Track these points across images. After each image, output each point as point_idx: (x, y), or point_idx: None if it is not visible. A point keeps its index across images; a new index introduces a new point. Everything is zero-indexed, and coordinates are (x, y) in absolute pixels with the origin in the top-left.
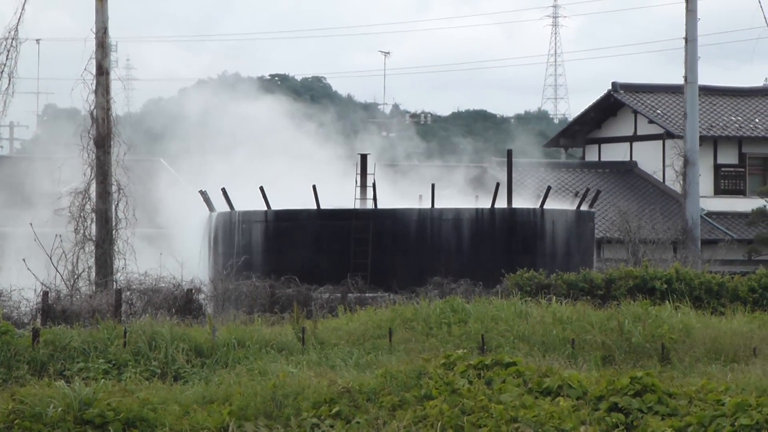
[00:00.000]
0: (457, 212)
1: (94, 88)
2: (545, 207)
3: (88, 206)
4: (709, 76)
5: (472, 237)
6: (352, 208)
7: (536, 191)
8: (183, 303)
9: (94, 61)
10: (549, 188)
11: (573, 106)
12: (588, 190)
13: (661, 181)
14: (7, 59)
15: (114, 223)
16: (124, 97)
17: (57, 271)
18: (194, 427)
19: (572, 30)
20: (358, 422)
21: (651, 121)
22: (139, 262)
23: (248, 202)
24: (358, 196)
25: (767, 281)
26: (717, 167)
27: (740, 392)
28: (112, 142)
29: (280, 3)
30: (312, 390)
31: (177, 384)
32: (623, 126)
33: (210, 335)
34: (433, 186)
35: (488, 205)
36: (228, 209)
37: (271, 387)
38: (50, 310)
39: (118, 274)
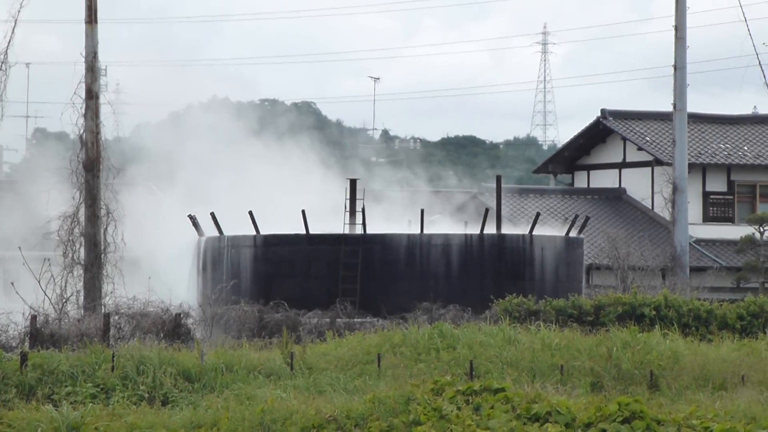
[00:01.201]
0: (446, 238)
1: (83, 111)
2: (534, 233)
3: (76, 230)
4: (697, 103)
5: (461, 262)
6: (341, 233)
7: (526, 217)
8: (171, 327)
9: (83, 85)
10: (538, 214)
11: (562, 132)
12: (577, 216)
13: (650, 208)
14: None
15: (103, 247)
16: (113, 121)
17: (45, 294)
18: None
19: (561, 57)
20: None
21: (640, 148)
22: (128, 285)
23: (237, 226)
24: (347, 221)
25: (755, 309)
26: (706, 194)
27: (728, 419)
28: (101, 166)
29: (268, 28)
30: (300, 415)
31: (165, 408)
32: (612, 153)
33: (198, 360)
34: (422, 211)
35: (477, 231)
36: (217, 233)
37: (259, 412)
38: (38, 333)
39: (107, 297)
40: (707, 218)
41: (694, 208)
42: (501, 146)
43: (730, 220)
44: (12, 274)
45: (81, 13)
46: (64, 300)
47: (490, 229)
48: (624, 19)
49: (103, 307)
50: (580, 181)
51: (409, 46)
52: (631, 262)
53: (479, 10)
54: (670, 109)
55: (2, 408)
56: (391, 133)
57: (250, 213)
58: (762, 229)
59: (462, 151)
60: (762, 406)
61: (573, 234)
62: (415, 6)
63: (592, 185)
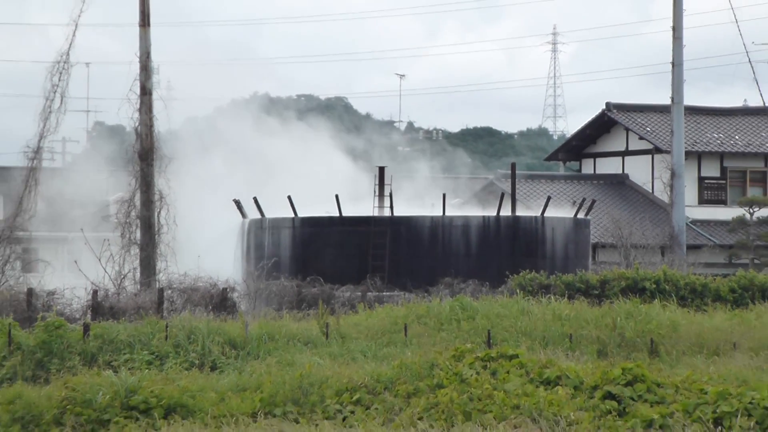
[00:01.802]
0: (466, 219)
1: (138, 106)
2: (545, 215)
3: (133, 213)
4: (693, 96)
5: (480, 242)
6: (371, 215)
7: (538, 201)
8: (219, 300)
9: (138, 83)
10: (549, 198)
11: (570, 123)
12: (584, 199)
13: (651, 191)
14: (59, 80)
15: (156, 229)
16: (165, 115)
17: (105, 271)
18: (229, 413)
19: (569, 55)
20: (376, 408)
21: (641, 138)
22: (179, 262)
23: (277, 209)
24: (377, 204)
25: (746, 282)
26: (701, 179)
27: (722, 382)
28: (154, 156)
29: (304, 30)
30: (335, 379)
31: (213, 373)
32: (616, 142)
33: (243, 330)
34: (444, 195)
35: (494, 213)
36: (259, 216)
37: (298, 377)
38: (99, 307)
39: (160, 274)
40: (702, 201)
41: (690, 192)
42: (515, 136)
43: (722, 202)
44: (75, 253)
45: (135, 17)
46: (122, 276)
47: (506, 211)
48: (626, 20)
49: (157, 282)
50: (587, 167)
51: (432, 45)
52: (634, 240)
53: (495, 12)
54: (668, 102)
55: (67, 373)
56: (416, 125)
57: (289, 197)
58: (752, 211)
59: (480, 141)
60: (752, 370)
61: (581, 216)
62: (437, 9)
63: (597, 171)
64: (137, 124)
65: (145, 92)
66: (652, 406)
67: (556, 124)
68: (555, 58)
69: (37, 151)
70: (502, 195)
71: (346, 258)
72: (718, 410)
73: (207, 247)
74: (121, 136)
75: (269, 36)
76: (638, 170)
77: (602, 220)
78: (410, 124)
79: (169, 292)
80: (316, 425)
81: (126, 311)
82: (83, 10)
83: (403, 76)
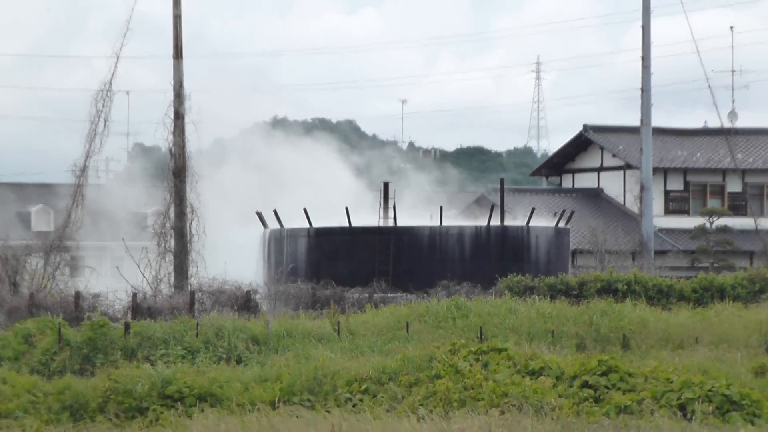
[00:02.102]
0: (461, 229)
1: (172, 129)
2: (530, 224)
3: (167, 224)
4: (659, 118)
5: (472, 248)
6: (376, 225)
7: (524, 212)
8: (243, 301)
9: (172, 108)
10: (533, 209)
11: (552, 142)
12: (564, 210)
13: (623, 203)
14: (103, 107)
15: (188, 238)
16: (196, 137)
17: (143, 276)
18: (252, 400)
19: (551, 81)
20: (382, 396)
21: (614, 155)
22: (209, 268)
23: (294, 220)
24: (382, 215)
25: (706, 284)
26: (667, 192)
27: (685, 372)
28: (186, 173)
29: (318, 59)
30: (345, 371)
31: (238, 366)
32: (592, 159)
33: (264, 327)
34: (441, 207)
35: (485, 223)
36: (278, 226)
37: (313, 369)
38: (138, 307)
39: (192, 278)
40: (668, 211)
41: (657, 204)
42: (503, 155)
43: (686, 213)
44: (117, 260)
45: (170, 50)
46: (158, 280)
47: (495, 221)
48: (600, 51)
49: (189, 285)
50: (567, 182)
51: (430, 74)
52: (608, 247)
53: (485, 44)
54: (638, 123)
55: (110, 366)
56: (416, 145)
57: (305, 210)
58: (711, 220)
59: (472, 159)
60: (712, 361)
61: (561, 225)
62: (434, 42)
63: (576, 186)
64: (171, 145)
65: (179, 117)
66: (624, 394)
67: (539, 143)
68: (538, 85)
69: (83, 169)
70: (492, 207)
71: (355, 263)
72: (682, 397)
73: (232, 253)
74: (157, 155)
75: (287, 65)
76: (612, 184)
77: (580, 228)
78: (411, 144)
79: (200, 294)
80: (329, 411)
81: (162, 311)
82: (124, 44)
83: (405, 101)
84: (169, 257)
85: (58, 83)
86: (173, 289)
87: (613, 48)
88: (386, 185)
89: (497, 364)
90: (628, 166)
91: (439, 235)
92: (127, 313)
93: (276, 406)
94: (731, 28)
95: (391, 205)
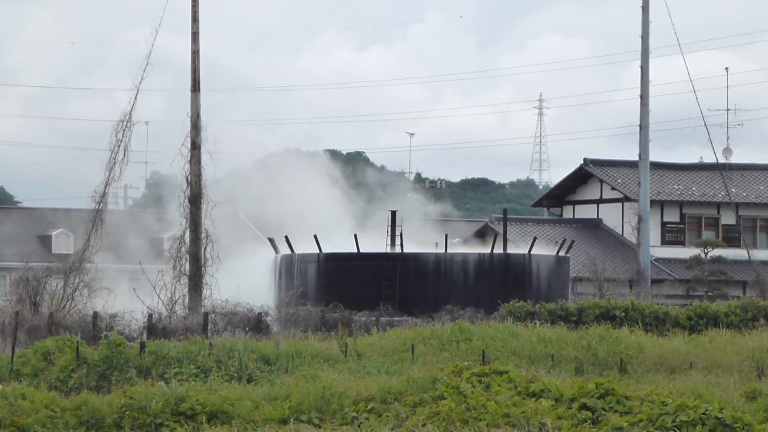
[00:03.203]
0: (465, 256)
1: (189, 159)
2: (532, 252)
3: (183, 249)
4: (656, 153)
5: (476, 275)
6: (384, 251)
7: (526, 241)
8: (254, 323)
9: (189, 139)
10: (535, 238)
11: (554, 175)
12: (565, 240)
13: (621, 234)
14: (123, 137)
15: (203, 262)
16: (212, 166)
17: (159, 298)
18: (263, 418)
19: (552, 117)
20: (387, 416)
21: (613, 188)
22: (222, 290)
23: (305, 246)
24: (389, 242)
25: (701, 311)
26: (663, 224)
27: (680, 396)
28: (202, 200)
29: (327, 94)
30: (352, 391)
31: (249, 385)
32: (592, 191)
33: (275, 348)
34: (446, 235)
35: (488, 251)
36: (289, 252)
37: (321, 388)
38: (154, 328)
39: (206, 300)
40: (664, 242)
41: (654, 234)
42: (506, 186)
43: (681, 243)
44: (134, 282)
45: (187, 83)
46: (173, 302)
47: (498, 249)
48: (600, 89)
49: (202, 307)
50: (567, 213)
51: (436, 109)
52: (606, 275)
53: (489, 82)
54: (636, 158)
55: (126, 384)
56: (423, 176)
57: (315, 236)
58: (706, 251)
59: (477, 190)
60: (706, 386)
61: (562, 253)
62: (440, 78)
63: (576, 216)
64: (188, 173)
65: (195, 147)
66: (621, 416)
67: (541, 176)
68: (541, 120)
69: (103, 195)
70: (495, 236)
71: (362, 288)
72: (677, 420)
73: (245, 277)
74: (174, 183)
75: (298, 100)
76: (610, 216)
77: (580, 257)
78: (418, 175)
79: (213, 315)
80: (335, 430)
81: (176, 332)
82: (144, 77)
83: (413, 134)
84: (184, 280)
85: (80, 114)
86: (187, 311)
87: (612, 86)
88: (393, 213)
89: (498, 386)
90: (626, 199)
91: (444, 262)
92: (142, 333)
93: (286, 423)
94: (726, 68)
95: (398, 232)
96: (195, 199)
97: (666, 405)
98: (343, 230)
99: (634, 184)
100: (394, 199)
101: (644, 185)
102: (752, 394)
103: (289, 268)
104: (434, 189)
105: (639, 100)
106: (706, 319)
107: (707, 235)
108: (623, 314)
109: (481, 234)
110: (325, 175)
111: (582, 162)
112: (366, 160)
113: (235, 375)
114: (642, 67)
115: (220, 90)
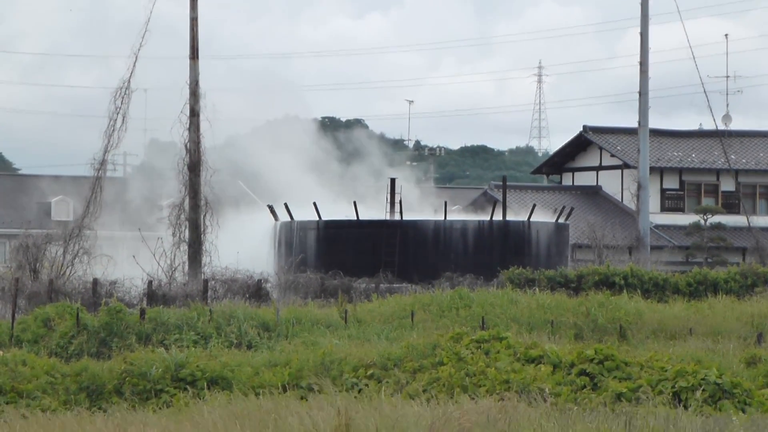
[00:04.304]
0: (464, 223)
1: (187, 126)
2: (531, 220)
3: (182, 216)
4: (655, 120)
5: (476, 242)
6: (383, 218)
7: (525, 208)
8: (254, 290)
9: (188, 106)
10: (534, 206)
11: (553, 142)
12: (564, 207)
13: (620, 201)
14: (121, 104)
15: (202, 229)
16: (210, 133)
17: (159, 265)
18: (262, 385)
19: (551, 84)
20: (387, 382)
21: (613, 155)
22: (222, 258)
23: (304, 213)
24: (388, 210)
25: (700, 278)
26: (663, 191)
27: (679, 362)
28: (201, 168)
29: (327, 61)
30: (352, 357)
31: (249, 351)
32: (591, 158)
33: (275, 315)
34: (445, 203)
35: (488, 218)
36: (289, 219)
37: (320, 354)
38: (153, 294)
39: (205, 267)
40: (664, 209)
41: (653, 201)
42: (506, 153)
43: (681, 210)
44: (134, 249)
45: (186, 50)
46: (173, 269)
47: (498, 217)
48: (597, 56)
49: (202, 274)
50: (567, 180)
51: (434, 76)
52: (606, 242)
53: (487, 49)
54: (636, 125)
55: (126, 350)
56: (422, 143)
57: (314, 204)
58: (705, 218)
59: (476, 157)
60: (705, 352)
61: (561, 221)
62: (438, 46)
63: (576, 184)
64: (187, 141)
65: (194, 114)
66: (620, 382)
67: (540, 143)
68: (540, 88)
69: (102, 163)
70: (495, 203)
71: (362, 255)
72: (676, 385)
73: (244, 244)
74: (173, 151)
75: (296, 67)
76: (610, 183)
77: (579, 224)
78: (417, 143)
79: (213, 282)
80: (336, 395)
81: (176, 298)
82: (142, 44)
83: (412, 101)
84: (184, 247)
85: (78, 81)
86: (187, 278)
87: (609, 53)
88: (393, 181)
89: (498, 352)
90: (625, 166)
91: (443, 229)
92: (142, 300)
93: (285, 389)
94: (726, 35)
95: (397, 199)
96: (194, 167)
97: (665, 371)
98: (341, 198)
99: (634, 151)
100: (392, 166)
101: (644, 152)
102: (751, 360)
103: (289, 235)
104: (433, 156)
105: (638, 67)
106: (706, 286)
107: (707, 201)
108: (622, 281)
109: (481, 201)
110: (322, 143)
111: (581, 129)
112: (365, 128)
113: (235, 341)
114: (641, 34)
115: (218, 57)
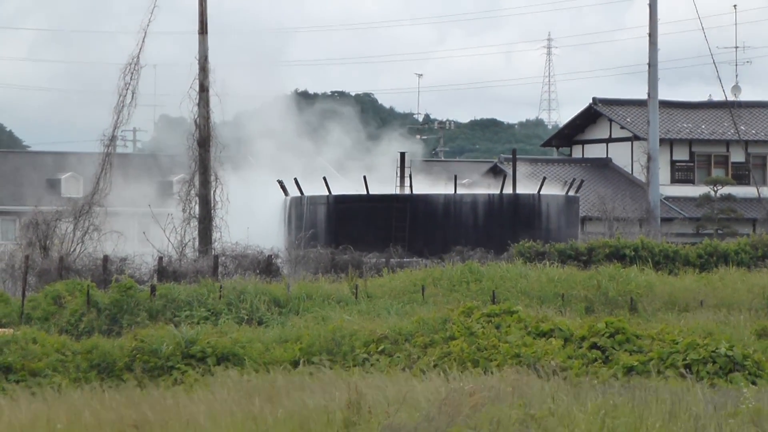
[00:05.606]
0: (474, 197)
1: (197, 102)
2: (541, 193)
3: (192, 192)
4: (664, 91)
5: (486, 216)
6: (393, 193)
7: (535, 181)
8: (265, 266)
9: (197, 82)
10: (544, 178)
11: (562, 115)
12: (574, 180)
13: (630, 173)
14: (131, 80)
15: (212, 205)
16: (220, 109)
17: (169, 241)
18: (273, 361)
19: (561, 56)
20: (398, 357)
21: (622, 127)
22: (232, 233)
23: (314, 188)
24: (398, 184)
25: (711, 249)
26: (673, 162)
27: (690, 334)
28: (211, 143)
29: (335, 36)
30: (363, 332)
31: (260, 327)
32: (601, 131)
33: (285, 290)
34: (455, 176)
35: (498, 191)
36: (299, 194)
37: (331, 329)
38: (164, 271)
39: (216, 243)
40: (674, 180)
41: (664, 173)
42: (516, 126)
43: (691, 182)
44: (144, 225)
45: (195, 25)
46: (183, 245)
47: (508, 190)
48: (605, 28)
49: (212, 250)
50: (577, 152)
51: (443, 49)
52: (616, 214)
53: (494, 22)
54: (645, 97)
55: (136, 327)
56: (432, 117)
57: (324, 178)
58: (715, 189)
59: (486, 130)
60: (716, 324)
61: (571, 193)
62: (446, 19)
63: (585, 156)
64: (196, 116)
65: (203, 89)
66: (631, 355)
67: (550, 115)
68: (549, 60)
69: (112, 139)
70: (505, 176)
71: (372, 230)
72: (687, 358)
73: (255, 220)
74: (183, 126)
75: (304, 41)
76: (620, 155)
77: (589, 197)
78: (427, 116)
79: (223, 258)
80: (347, 370)
81: (186, 275)
82: (151, 20)
83: (421, 75)
84: (194, 223)
85: (87, 57)
86: (197, 254)
87: (617, 25)
88: (402, 155)
89: (509, 326)
90: (635, 138)
91: (453, 203)
92: (153, 276)
93: (297, 365)
94: (734, 6)
95: (407, 173)
96: (203, 142)
97: (676, 343)
98: (351, 172)
99: (643, 122)
100: (402, 140)
101: (653, 124)
102: (763, 332)
103: (299, 210)
104: (443, 130)
105: (647, 38)
106: (716, 257)
107: (717, 173)
108: (633, 253)
109: (491, 175)
110: (332, 116)
111: (591, 101)
112: (374, 102)
113: (246, 317)
114: (650, 5)
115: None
